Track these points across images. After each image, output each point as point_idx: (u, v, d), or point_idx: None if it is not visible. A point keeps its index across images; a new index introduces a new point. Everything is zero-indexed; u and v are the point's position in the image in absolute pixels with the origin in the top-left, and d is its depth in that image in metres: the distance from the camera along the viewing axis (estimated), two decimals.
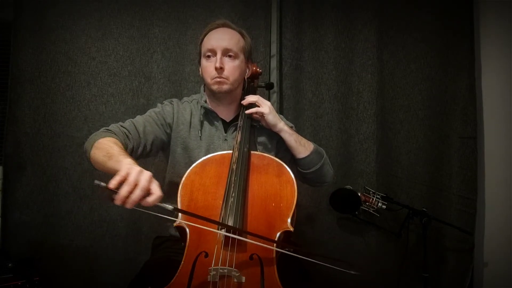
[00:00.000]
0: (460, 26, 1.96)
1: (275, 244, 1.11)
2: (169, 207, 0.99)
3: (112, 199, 0.93)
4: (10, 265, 1.60)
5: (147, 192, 0.95)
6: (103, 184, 0.92)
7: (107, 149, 1.15)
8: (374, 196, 1.87)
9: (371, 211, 1.87)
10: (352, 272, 1.07)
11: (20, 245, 1.83)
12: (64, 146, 1.89)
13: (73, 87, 1.90)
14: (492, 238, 2.00)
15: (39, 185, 1.88)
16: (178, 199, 1.21)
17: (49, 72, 1.89)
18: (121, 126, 1.34)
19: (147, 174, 0.97)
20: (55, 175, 1.89)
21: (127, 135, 1.31)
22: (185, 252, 1.12)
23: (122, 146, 1.20)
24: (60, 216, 1.89)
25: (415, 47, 2.02)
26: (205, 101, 1.46)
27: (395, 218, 1.96)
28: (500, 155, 1.99)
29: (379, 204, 1.85)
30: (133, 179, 0.94)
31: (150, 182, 0.96)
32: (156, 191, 0.96)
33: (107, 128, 1.31)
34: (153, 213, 1.00)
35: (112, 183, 0.92)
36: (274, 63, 2.04)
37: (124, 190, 0.92)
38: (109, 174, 1.02)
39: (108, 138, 1.22)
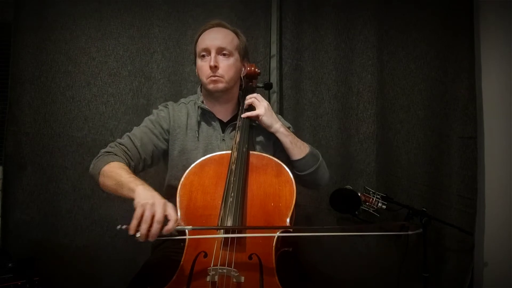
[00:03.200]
0: (460, 26, 1.95)
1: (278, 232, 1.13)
2: (188, 227, 1.09)
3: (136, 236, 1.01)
4: (10, 265, 1.60)
5: (164, 220, 1.02)
6: (124, 227, 1.01)
7: (115, 177, 1.19)
8: (374, 196, 1.87)
9: (371, 211, 1.86)
10: (410, 232, 1.13)
11: (20, 245, 1.84)
12: (64, 146, 1.90)
13: (73, 87, 1.91)
14: (492, 238, 1.99)
15: (39, 185, 1.88)
16: (177, 199, 1.21)
17: (49, 72, 1.89)
18: (120, 143, 1.35)
19: (159, 205, 1.03)
20: (55, 175, 1.89)
21: (127, 153, 1.33)
22: (185, 252, 1.13)
23: (127, 169, 1.24)
24: (60, 215, 1.90)
25: (415, 47, 2.00)
26: (202, 102, 1.46)
27: (395, 218, 1.95)
28: (500, 155, 1.97)
29: (379, 204, 1.85)
30: (148, 215, 1.00)
31: (164, 210, 1.03)
32: (172, 216, 1.03)
33: (107, 150, 1.32)
34: (171, 238, 1.08)
35: (132, 229, 1.00)
36: (274, 63, 2.03)
37: (143, 229, 0.99)
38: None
39: (112, 164, 1.24)
